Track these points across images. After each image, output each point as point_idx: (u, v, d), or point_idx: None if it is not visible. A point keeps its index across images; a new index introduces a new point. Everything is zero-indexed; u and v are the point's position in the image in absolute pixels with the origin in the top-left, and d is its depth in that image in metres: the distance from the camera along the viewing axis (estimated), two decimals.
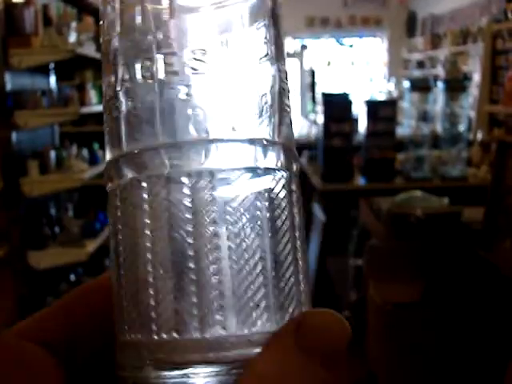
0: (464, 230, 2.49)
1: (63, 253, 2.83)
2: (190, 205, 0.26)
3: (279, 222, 0.27)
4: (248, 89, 0.27)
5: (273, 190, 0.27)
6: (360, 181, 3.96)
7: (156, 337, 0.25)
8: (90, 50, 3.40)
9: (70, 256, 2.82)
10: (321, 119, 4.08)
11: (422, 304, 2.14)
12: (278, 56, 0.29)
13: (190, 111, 0.26)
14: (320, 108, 4.11)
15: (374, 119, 3.96)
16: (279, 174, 0.28)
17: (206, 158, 0.26)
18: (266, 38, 0.28)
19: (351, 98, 4.22)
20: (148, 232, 0.26)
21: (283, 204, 0.28)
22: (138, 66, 0.27)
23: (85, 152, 3.38)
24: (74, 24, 3.07)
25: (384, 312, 2.16)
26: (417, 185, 3.49)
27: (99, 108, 3.71)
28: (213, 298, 0.25)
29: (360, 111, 4.21)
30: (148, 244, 0.26)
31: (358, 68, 10.09)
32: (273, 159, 0.28)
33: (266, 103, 0.28)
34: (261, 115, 0.28)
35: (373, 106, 4.02)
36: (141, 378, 0.26)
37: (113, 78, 0.28)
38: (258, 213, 0.27)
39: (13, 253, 2.68)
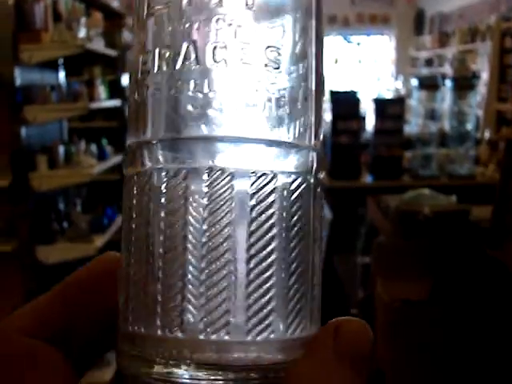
0: (472, 228, 2.48)
1: (72, 248, 2.83)
2: (253, 203, 0.25)
3: (316, 231, 0.27)
4: (259, 88, 0.26)
5: (313, 193, 0.27)
6: (367, 178, 3.96)
7: (202, 336, 0.25)
8: (98, 46, 3.40)
9: (78, 251, 2.83)
10: (328, 117, 4.07)
11: (430, 302, 2.14)
12: (304, 56, 0.28)
13: (222, 105, 0.26)
14: (328, 105, 4.11)
15: (381, 117, 3.96)
16: (306, 179, 0.27)
17: (268, 158, 0.26)
18: (281, 36, 0.27)
19: (359, 95, 4.22)
20: (205, 226, 0.25)
21: (315, 211, 0.27)
22: (208, 49, 0.26)
23: (93, 147, 3.38)
24: (83, 19, 3.07)
25: (391, 310, 2.16)
26: (424, 183, 3.49)
27: (108, 103, 3.72)
28: (265, 301, 0.25)
29: (368, 109, 4.21)
30: (203, 239, 0.25)
31: (366, 66, 10.07)
32: (297, 163, 0.27)
33: (283, 105, 0.27)
34: (281, 117, 0.27)
35: (381, 104, 4.02)
36: (167, 374, 0.25)
37: (164, 53, 0.27)
38: (307, 220, 0.27)
39: (21, 247, 2.69)
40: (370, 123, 4.08)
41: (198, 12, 0.26)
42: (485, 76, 6.05)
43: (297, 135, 0.27)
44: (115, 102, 3.84)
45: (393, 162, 3.93)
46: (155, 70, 0.27)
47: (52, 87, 2.93)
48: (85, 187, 3.43)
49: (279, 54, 0.27)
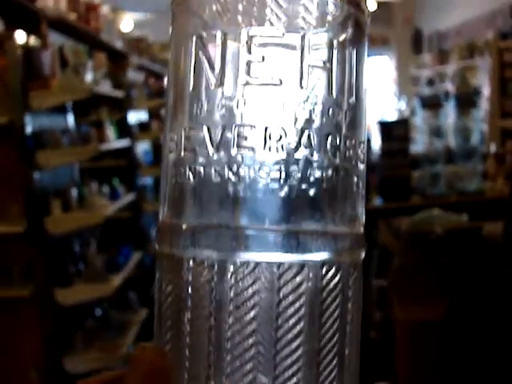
0: (485, 245, 2.48)
1: (89, 289, 2.84)
2: (280, 296, 0.25)
3: (352, 320, 0.27)
4: (288, 176, 0.25)
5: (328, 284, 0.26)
6: (377, 201, 3.96)
7: None
8: (105, 88, 3.46)
9: (95, 291, 2.84)
10: None
11: (446, 323, 2.13)
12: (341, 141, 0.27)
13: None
14: None
15: (387, 139, 3.98)
16: (340, 266, 0.26)
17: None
18: (308, 118, 0.26)
19: None
20: (231, 320, 0.24)
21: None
22: (233, 134, 0.25)
23: (105, 188, 3.42)
24: (89, 63, 3.13)
25: (408, 332, 2.16)
26: (434, 202, 3.49)
27: (117, 144, 3.76)
28: None
29: (371, 131, 4.24)
30: (228, 334, 0.24)
31: (367, 87, 10.07)
32: (323, 252, 0.26)
33: (318, 193, 0.26)
34: (316, 205, 0.26)
35: (386, 127, 4.05)
36: None
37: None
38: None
39: (38, 291, 2.70)
40: (376, 145, 4.10)
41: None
42: (486, 90, 6.08)
43: (332, 223, 0.26)
44: (124, 142, 3.88)
45: (401, 183, 3.94)
46: (186, 154, 0.26)
47: (62, 131, 2.98)
48: (99, 227, 3.45)
49: (311, 137, 0.26)
